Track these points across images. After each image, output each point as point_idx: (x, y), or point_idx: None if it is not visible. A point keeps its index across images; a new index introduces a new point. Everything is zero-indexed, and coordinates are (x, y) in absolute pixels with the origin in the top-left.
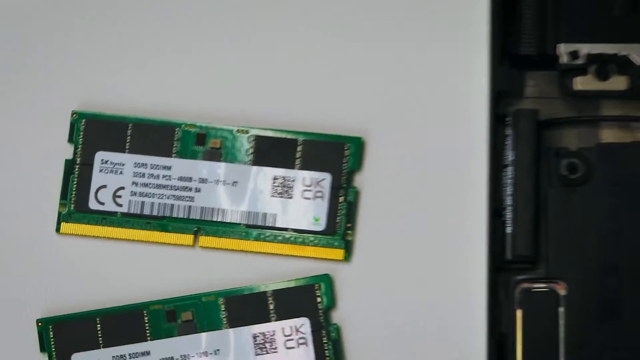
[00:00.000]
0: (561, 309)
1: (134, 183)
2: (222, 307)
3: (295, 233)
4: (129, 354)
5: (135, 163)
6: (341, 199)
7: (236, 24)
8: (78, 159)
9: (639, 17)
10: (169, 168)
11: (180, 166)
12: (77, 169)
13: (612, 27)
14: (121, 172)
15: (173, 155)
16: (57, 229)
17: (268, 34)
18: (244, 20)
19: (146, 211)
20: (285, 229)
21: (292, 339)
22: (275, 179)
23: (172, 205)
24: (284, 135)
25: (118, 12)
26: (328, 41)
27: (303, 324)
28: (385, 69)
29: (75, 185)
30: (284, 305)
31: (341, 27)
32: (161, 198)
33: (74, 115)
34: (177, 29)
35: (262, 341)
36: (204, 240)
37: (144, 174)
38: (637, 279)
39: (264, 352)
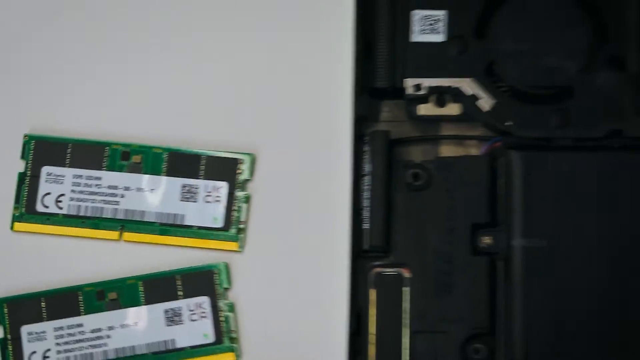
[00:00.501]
0: (406, 289)
1: (72, 191)
2: (141, 289)
3: (199, 229)
4: (67, 326)
5: (73, 175)
6: (235, 202)
7: (148, 59)
8: (28, 172)
9: (467, 59)
10: (99, 179)
11: (108, 177)
12: (27, 180)
13: (447, 66)
14: (62, 182)
15: (103, 168)
16: (12, 227)
17: (175, 67)
18: (154, 56)
19: (81, 213)
20: (191, 226)
21: (195, 314)
22: (183, 186)
23: (102, 208)
24: (191, 152)
25: (55, 54)
26: (226, 75)
27: (204, 301)
28: (271, 99)
29: (26, 193)
30: (189, 287)
31: (233, 64)
32: (93, 202)
33: (26, 138)
34: (106, 66)
35: (172, 315)
36: (127, 235)
37: (80, 184)
38: (464, 264)
39: (173, 324)
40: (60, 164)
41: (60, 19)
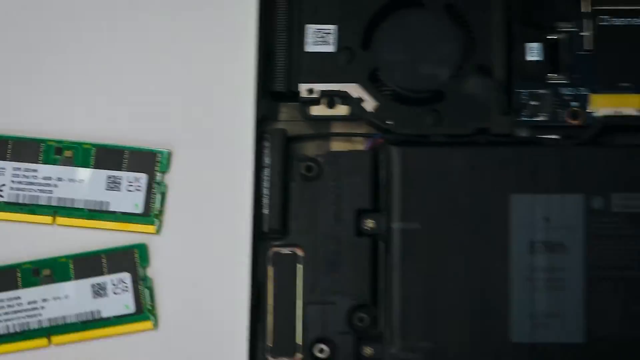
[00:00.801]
0: (299, 266)
1: (12, 181)
2: (71, 266)
3: (122, 214)
4: (7, 298)
5: (13, 167)
6: (154, 191)
7: (75, 60)
8: None
9: (354, 67)
10: (36, 171)
11: (44, 169)
12: None
13: (336, 73)
14: (3, 174)
15: (39, 162)
16: None
17: (101, 70)
18: (80, 56)
19: (20, 200)
20: (115, 212)
21: (118, 288)
22: (109, 177)
23: (38, 196)
24: (115, 147)
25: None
26: (146, 80)
27: (126, 277)
28: (186, 101)
29: None
30: (113, 264)
31: (153, 70)
32: (30, 191)
33: None
34: (43, 70)
35: (98, 289)
36: (60, 220)
37: (19, 175)
38: (349, 244)
39: (99, 297)
40: (2, 158)
41: None
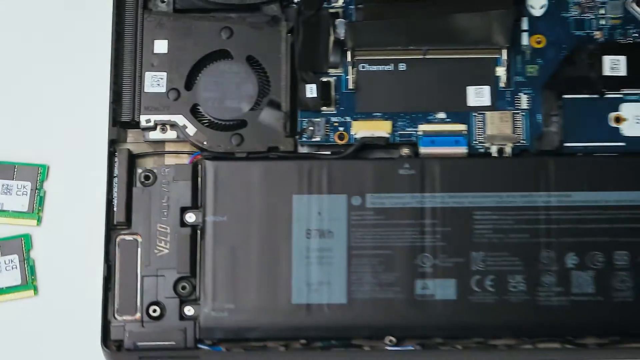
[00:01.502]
0: (139, 249)
1: None
2: None
3: (12, 212)
4: None
5: None
6: (36, 195)
7: None
8: None
9: (180, 103)
10: None
11: None
12: None
13: (167, 107)
14: None
15: None
16: None
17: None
18: None
19: None
20: (8, 210)
21: (9, 266)
22: (3, 185)
23: None
24: (8, 163)
25: None
26: (32, 107)
27: (15, 258)
28: (60, 126)
29: None
30: (6, 248)
31: (35, 99)
32: None
33: None
34: None
35: None
36: None
37: None
38: (176, 233)
39: None
40: None
41: None
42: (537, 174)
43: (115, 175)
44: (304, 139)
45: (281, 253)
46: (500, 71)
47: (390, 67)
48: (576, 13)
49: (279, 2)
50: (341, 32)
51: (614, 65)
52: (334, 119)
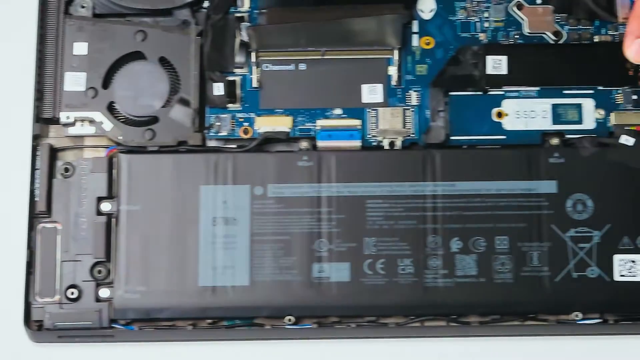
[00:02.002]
0: (58, 236)
1: None
2: None
3: None
4: None
5: None
6: None
7: None
8: None
9: (98, 100)
10: None
11: None
12: None
13: (86, 104)
14: None
15: None
16: None
17: None
18: None
19: None
20: None
21: None
22: None
23: None
24: None
25: None
26: None
27: None
28: None
29: None
30: None
31: None
32: None
33: None
34: None
35: None
36: None
37: None
38: (93, 221)
39: None
40: None
41: None
42: (424, 166)
43: (37, 167)
44: (211, 134)
45: (189, 239)
46: (392, 70)
47: (292, 67)
48: (463, 16)
49: (189, 7)
50: (246, 34)
51: (496, 64)
52: (239, 115)
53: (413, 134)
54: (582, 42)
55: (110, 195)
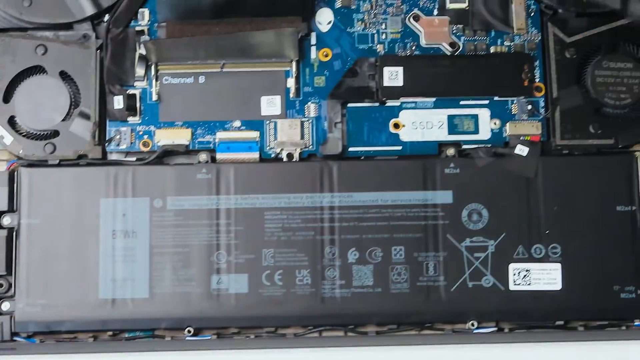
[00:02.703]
0: None
1: None
2: None
3: None
4: None
5: None
6: None
7: None
8: None
9: (2, 112)
10: None
11: None
12: None
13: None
14: None
15: None
16: None
17: None
18: None
19: None
20: None
21: None
22: None
23: None
24: None
25: None
26: None
27: None
28: None
29: None
30: None
31: None
32: None
33: None
34: None
35: None
36: None
37: None
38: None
39: None
40: None
41: None
42: (322, 177)
43: None
44: (111, 147)
45: (89, 252)
46: (290, 83)
47: (191, 80)
48: (360, 28)
49: (90, 21)
50: (145, 48)
51: (393, 76)
52: (139, 127)
53: (311, 145)
54: (478, 53)
55: (11, 209)
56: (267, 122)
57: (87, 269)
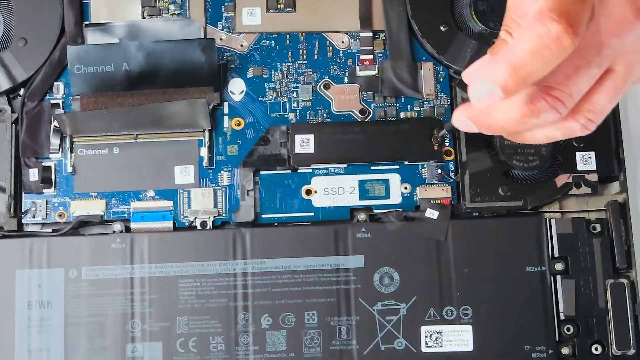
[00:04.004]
0: None
1: None
2: None
3: None
4: None
5: None
6: None
7: None
8: None
9: None
10: None
11: None
12: None
13: None
14: None
15: None
16: None
17: None
18: None
19: None
20: None
21: None
22: None
23: None
24: None
25: None
26: None
27: None
28: None
29: None
30: None
31: None
32: None
33: None
34: None
35: None
36: None
37: None
38: None
39: None
40: None
41: None
42: (235, 244)
43: None
44: (27, 219)
45: (5, 323)
46: (204, 152)
47: (105, 151)
48: (272, 97)
49: (5, 95)
50: (60, 121)
51: (304, 143)
52: (54, 199)
53: (224, 213)
54: (388, 119)
55: None
56: (181, 191)
57: (2, 339)
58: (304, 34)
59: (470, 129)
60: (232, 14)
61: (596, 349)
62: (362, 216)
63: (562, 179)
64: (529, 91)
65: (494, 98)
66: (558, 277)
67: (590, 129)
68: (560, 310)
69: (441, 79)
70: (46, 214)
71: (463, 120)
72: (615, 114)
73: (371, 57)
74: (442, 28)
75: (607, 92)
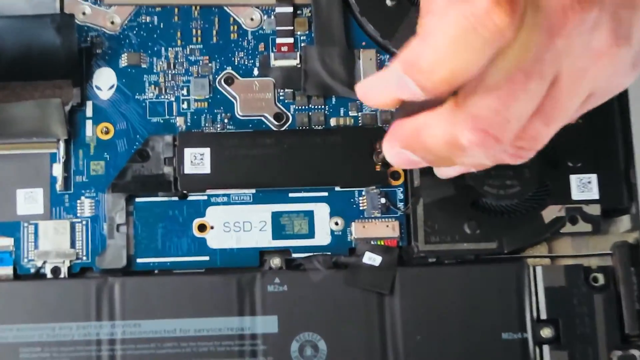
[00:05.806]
0: None
1: None
2: None
3: None
4: None
5: None
6: None
7: None
8: None
9: None
10: None
11: None
12: None
13: None
14: None
15: None
16: None
17: None
18: None
19: None
20: None
21: None
22: None
23: None
24: None
25: None
26: None
27: None
28: None
29: None
30: None
31: None
32: None
33: None
34: None
35: None
36: None
37: None
38: None
39: None
40: None
41: None
42: (99, 299)
43: None
44: None
45: None
46: (57, 170)
47: None
48: (153, 95)
49: None
50: None
51: (197, 160)
52: None
53: (85, 256)
54: (313, 127)
55: None
56: (25, 224)
57: None
58: (198, 7)
59: (411, 163)
60: None
61: None
62: (276, 262)
63: (551, 212)
64: (457, 118)
65: (410, 91)
66: (545, 348)
67: (524, 158)
68: None
69: None
70: None
71: (396, 152)
72: (624, 125)
73: (291, 40)
74: (388, 2)
75: (544, 112)
